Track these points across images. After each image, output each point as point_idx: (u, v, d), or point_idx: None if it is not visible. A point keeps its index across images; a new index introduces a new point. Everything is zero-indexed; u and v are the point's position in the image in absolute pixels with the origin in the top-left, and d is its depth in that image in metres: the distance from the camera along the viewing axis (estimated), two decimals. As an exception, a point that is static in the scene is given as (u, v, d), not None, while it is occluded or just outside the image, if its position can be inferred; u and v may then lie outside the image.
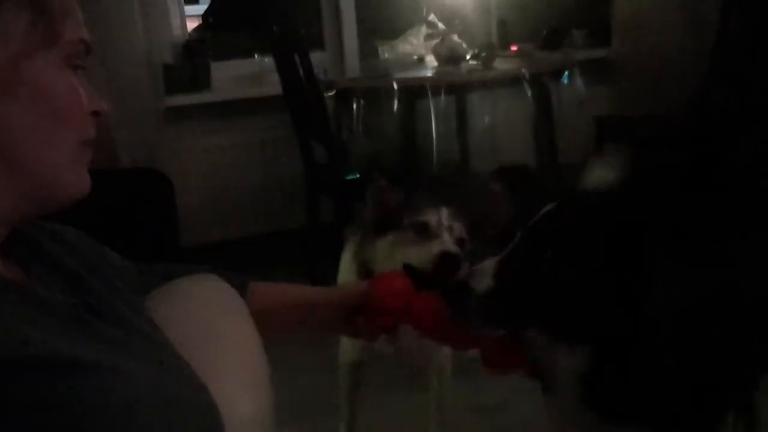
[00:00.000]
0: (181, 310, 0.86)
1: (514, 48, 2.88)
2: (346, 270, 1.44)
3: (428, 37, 2.78)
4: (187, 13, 2.98)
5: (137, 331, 0.71)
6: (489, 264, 0.83)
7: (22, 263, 0.67)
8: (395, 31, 2.93)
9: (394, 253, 1.25)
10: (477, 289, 0.80)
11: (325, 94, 2.41)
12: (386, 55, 2.82)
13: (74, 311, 0.64)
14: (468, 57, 2.52)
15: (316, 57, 2.42)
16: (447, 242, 1.22)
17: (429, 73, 2.56)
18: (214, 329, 0.86)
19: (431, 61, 2.68)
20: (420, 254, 1.21)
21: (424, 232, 1.24)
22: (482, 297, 0.81)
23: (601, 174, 0.88)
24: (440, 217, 1.26)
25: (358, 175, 2.43)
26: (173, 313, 0.84)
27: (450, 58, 2.50)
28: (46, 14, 0.61)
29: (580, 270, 0.79)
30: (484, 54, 2.45)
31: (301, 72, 2.31)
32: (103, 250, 0.84)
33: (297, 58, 2.30)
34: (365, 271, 1.30)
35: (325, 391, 1.70)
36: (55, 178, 0.64)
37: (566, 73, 2.61)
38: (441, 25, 2.73)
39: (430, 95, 2.30)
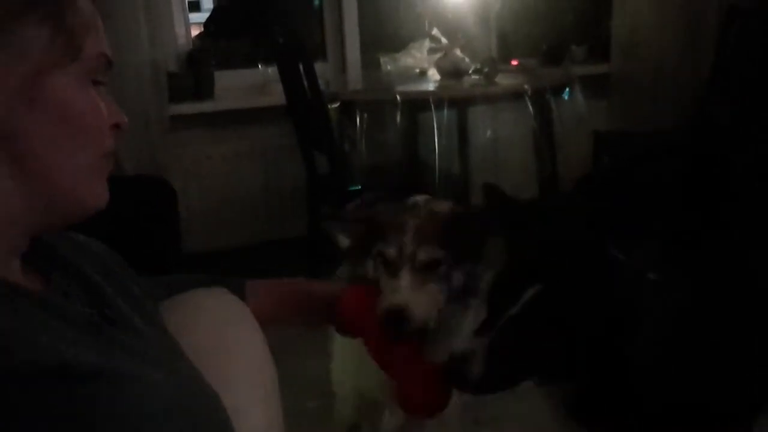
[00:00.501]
0: (192, 322, 0.87)
1: (514, 62, 2.91)
2: None
3: (431, 50, 2.80)
4: (189, 21, 3.00)
5: (153, 340, 0.72)
6: (479, 343, 0.86)
7: (42, 271, 0.68)
8: (398, 44, 2.95)
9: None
10: (470, 375, 0.84)
11: (328, 106, 2.43)
12: (389, 68, 2.85)
13: (91, 320, 0.64)
14: (470, 71, 2.55)
15: (319, 68, 2.44)
16: (399, 287, 0.99)
17: (431, 87, 2.58)
18: (225, 341, 0.87)
19: (433, 74, 2.70)
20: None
21: (388, 266, 1.02)
22: (476, 380, 0.85)
23: None
24: (403, 243, 1.01)
25: (359, 186, 2.45)
26: (184, 324, 0.85)
27: (453, 73, 2.52)
28: (67, 29, 0.61)
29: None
30: (486, 69, 2.48)
31: (305, 82, 2.32)
32: (121, 258, 0.85)
33: (301, 69, 2.32)
34: None
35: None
36: (75, 191, 0.64)
37: (567, 88, 2.64)
38: (444, 40, 2.76)
39: (433, 109, 2.31)
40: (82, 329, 0.61)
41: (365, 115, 2.52)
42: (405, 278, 1.00)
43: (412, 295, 0.99)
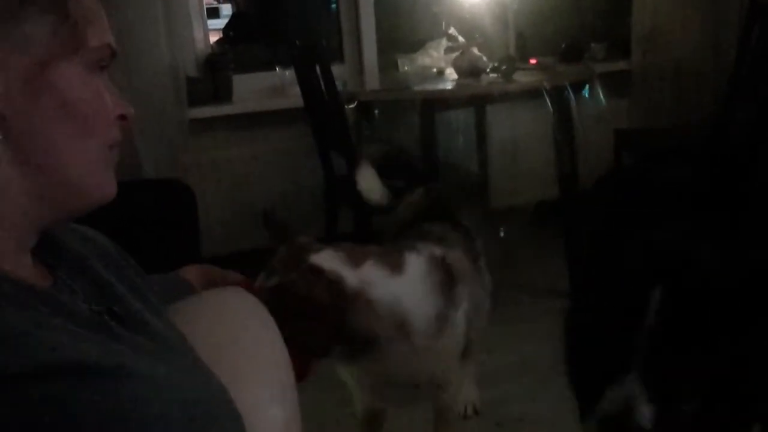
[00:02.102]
0: (209, 320, 0.87)
1: (533, 61, 2.89)
2: None
3: (448, 50, 2.79)
4: (208, 27, 3.03)
5: (160, 336, 0.71)
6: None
7: (50, 267, 0.68)
8: (414, 44, 2.94)
9: None
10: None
11: (345, 107, 2.43)
12: (406, 68, 2.84)
13: (98, 318, 0.64)
14: (488, 70, 2.53)
15: (336, 70, 2.44)
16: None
17: (449, 86, 2.57)
18: (241, 339, 0.86)
19: (451, 73, 2.69)
20: None
21: None
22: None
23: None
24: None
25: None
26: (199, 323, 0.85)
27: (470, 71, 2.50)
28: (70, 21, 0.61)
29: None
30: (504, 67, 2.46)
31: (322, 84, 2.33)
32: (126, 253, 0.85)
33: (318, 71, 2.32)
34: None
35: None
36: (82, 182, 0.64)
37: (587, 86, 2.61)
38: (461, 39, 2.74)
39: (451, 108, 2.30)
40: (90, 326, 0.61)
41: (382, 116, 2.51)
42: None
43: None
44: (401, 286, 1.21)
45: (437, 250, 1.30)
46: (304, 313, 1.12)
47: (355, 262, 1.20)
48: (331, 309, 1.14)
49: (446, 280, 1.26)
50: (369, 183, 1.61)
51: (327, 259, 1.19)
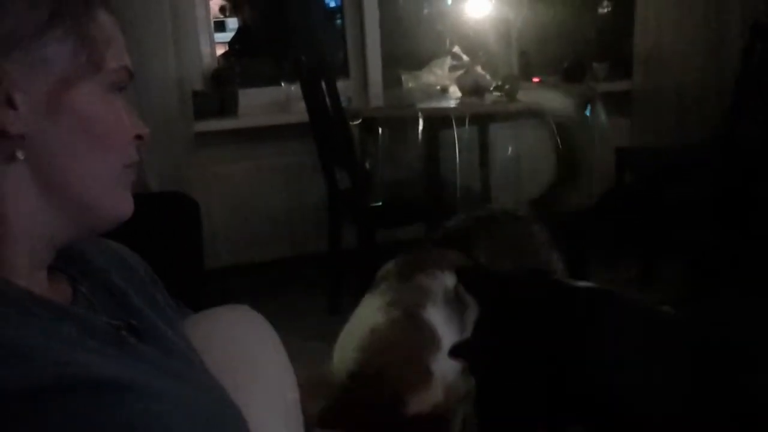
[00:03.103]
0: (215, 337, 0.87)
1: (536, 80, 2.91)
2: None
3: (452, 68, 2.81)
4: (215, 41, 3.05)
5: (176, 351, 0.71)
6: None
7: (69, 279, 0.68)
8: (419, 61, 2.97)
9: None
10: None
11: (350, 122, 2.45)
12: (410, 85, 2.86)
13: (115, 333, 0.64)
14: (491, 88, 2.55)
15: (340, 85, 2.46)
16: None
17: (452, 104, 2.59)
18: (247, 357, 0.86)
19: (454, 91, 2.71)
20: None
21: None
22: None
23: None
24: None
25: (380, 203, 2.46)
26: (207, 340, 0.85)
27: (474, 90, 2.53)
28: (89, 43, 0.62)
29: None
30: (507, 86, 2.48)
31: (327, 100, 2.35)
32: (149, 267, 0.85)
33: (323, 86, 2.34)
34: None
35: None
36: (99, 202, 0.64)
37: (588, 105, 2.63)
38: (465, 57, 2.77)
39: (454, 125, 2.32)
40: (107, 342, 0.61)
41: (386, 132, 2.53)
42: None
43: None
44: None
45: None
46: None
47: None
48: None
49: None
50: None
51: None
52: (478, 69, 2.59)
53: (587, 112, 2.65)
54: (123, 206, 0.67)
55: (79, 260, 0.71)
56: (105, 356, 0.58)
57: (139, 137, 0.68)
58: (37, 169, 0.60)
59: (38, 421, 0.50)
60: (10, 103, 0.58)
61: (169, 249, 2.18)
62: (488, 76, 2.57)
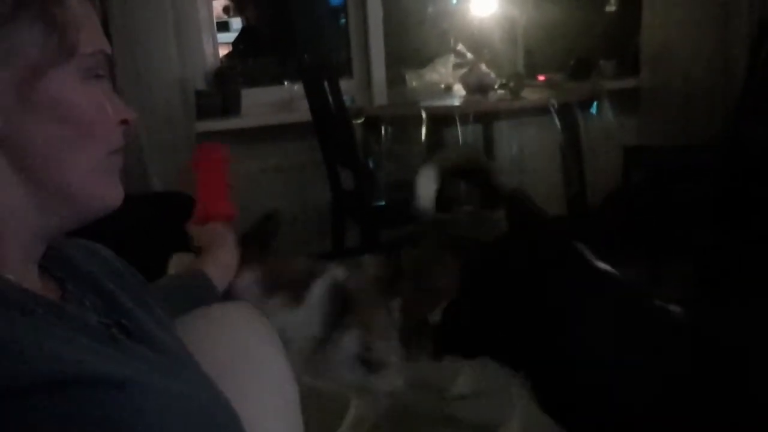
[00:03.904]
0: (213, 335, 0.87)
1: (541, 78, 2.89)
2: None
3: (456, 66, 2.80)
4: (218, 41, 3.05)
5: (167, 350, 0.71)
6: None
7: (59, 281, 0.67)
8: (423, 60, 2.96)
9: None
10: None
11: (353, 121, 2.43)
12: (414, 84, 2.85)
13: (107, 331, 0.64)
14: (496, 86, 2.53)
15: (344, 84, 2.45)
16: None
17: (457, 102, 2.57)
18: (245, 355, 0.86)
19: (459, 90, 2.69)
20: None
21: None
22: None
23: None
24: None
25: (384, 202, 2.44)
26: (205, 338, 0.85)
27: (478, 88, 2.51)
28: (59, 28, 0.61)
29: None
30: (512, 84, 2.46)
31: (330, 99, 2.34)
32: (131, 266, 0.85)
33: (326, 86, 2.33)
34: None
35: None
36: (85, 191, 0.64)
37: (595, 103, 2.61)
38: (469, 55, 2.76)
39: (458, 124, 2.30)
40: (99, 339, 0.61)
41: (390, 131, 2.52)
42: None
43: None
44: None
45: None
46: None
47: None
48: None
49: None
50: (423, 188, 1.54)
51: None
52: (483, 67, 2.57)
53: (594, 110, 2.63)
54: (111, 194, 0.66)
55: (66, 263, 0.70)
56: (97, 353, 0.57)
57: (124, 122, 0.67)
58: (16, 162, 0.60)
59: (30, 418, 0.49)
60: None
61: (172, 249, 2.18)
62: (493, 74, 2.55)
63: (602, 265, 0.93)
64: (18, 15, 0.59)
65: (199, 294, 1.01)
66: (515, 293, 0.92)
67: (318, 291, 1.25)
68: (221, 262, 1.10)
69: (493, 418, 1.49)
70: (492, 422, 1.51)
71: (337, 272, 1.28)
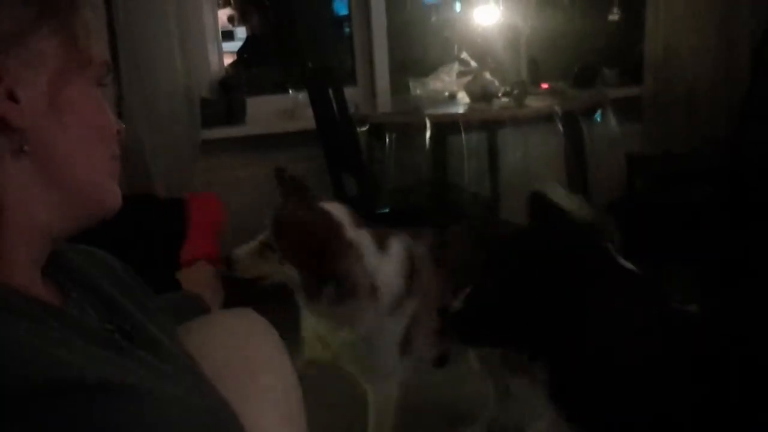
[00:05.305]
0: (217, 341, 0.87)
1: (545, 86, 2.90)
2: None
3: (460, 74, 2.80)
4: (223, 50, 3.07)
5: (169, 356, 0.71)
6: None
7: (60, 286, 0.68)
8: (427, 68, 2.96)
9: None
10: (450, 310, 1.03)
11: (357, 129, 2.44)
12: (418, 92, 2.86)
13: (109, 335, 0.65)
14: (500, 94, 2.54)
15: (348, 92, 2.46)
16: None
17: (461, 110, 2.58)
18: (249, 361, 0.86)
19: (463, 97, 2.70)
20: None
21: None
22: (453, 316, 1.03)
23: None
24: None
25: (388, 210, 2.44)
26: (209, 344, 0.85)
27: (482, 95, 2.52)
28: (76, 39, 0.64)
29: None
30: (516, 91, 2.47)
31: (334, 107, 2.34)
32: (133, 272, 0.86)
33: (331, 94, 2.34)
34: None
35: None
36: (96, 193, 0.67)
37: (599, 111, 2.61)
38: (473, 63, 2.76)
39: (462, 131, 2.31)
40: (101, 344, 0.61)
41: (394, 138, 2.52)
42: None
43: None
44: (382, 259, 1.41)
45: (413, 244, 1.48)
46: (301, 244, 1.33)
47: (356, 223, 1.42)
48: (327, 247, 1.33)
49: (412, 271, 1.45)
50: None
51: (336, 208, 1.43)
52: (487, 75, 2.58)
53: (597, 118, 2.63)
54: (115, 196, 0.69)
55: (68, 269, 0.71)
56: (98, 358, 0.58)
57: (118, 132, 0.70)
58: (40, 162, 0.62)
59: (32, 423, 0.49)
60: (13, 98, 0.59)
61: (177, 255, 2.18)
62: (496, 82, 2.56)
63: (626, 263, 0.94)
64: (40, 26, 0.62)
65: (195, 310, 1.02)
66: (537, 284, 0.93)
67: (396, 245, 1.46)
68: (206, 298, 1.14)
69: (519, 420, 1.56)
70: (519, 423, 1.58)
71: (405, 237, 1.49)
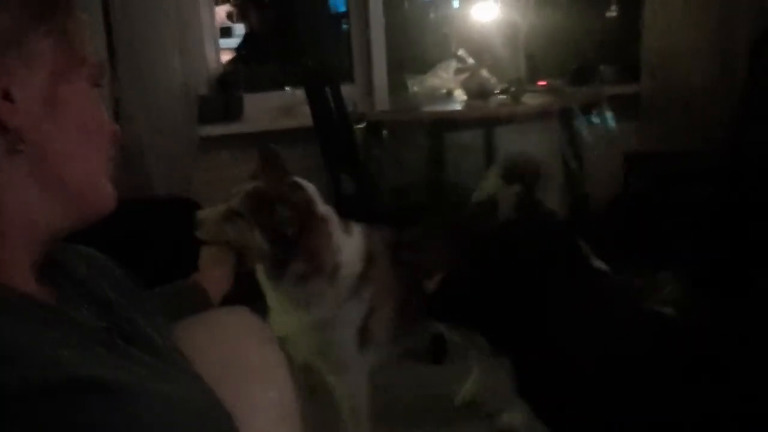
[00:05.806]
0: (213, 340, 0.88)
1: (542, 83, 2.90)
2: None
3: (458, 71, 2.80)
4: (220, 46, 3.06)
5: (164, 355, 0.72)
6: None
7: (55, 285, 0.68)
8: (424, 65, 2.96)
9: None
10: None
11: (355, 127, 2.44)
12: (415, 89, 2.85)
13: (104, 334, 0.65)
14: (497, 92, 2.54)
15: (345, 90, 2.46)
16: None
17: (458, 107, 2.58)
18: (244, 361, 0.87)
19: (460, 95, 2.70)
20: None
21: None
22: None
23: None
24: None
25: (385, 207, 2.45)
26: (204, 343, 0.85)
27: (479, 93, 2.52)
28: (71, 40, 0.65)
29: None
30: (513, 89, 2.47)
31: (332, 104, 2.34)
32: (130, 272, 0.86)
33: (328, 91, 2.34)
34: None
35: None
36: (92, 193, 0.67)
37: (596, 108, 2.61)
38: (470, 60, 2.76)
39: (459, 128, 2.31)
40: (97, 343, 0.61)
41: (391, 136, 2.52)
42: None
43: None
44: (347, 240, 1.48)
45: (372, 234, 1.54)
46: (271, 216, 1.36)
47: (325, 203, 1.48)
48: (301, 218, 1.38)
49: (371, 257, 1.50)
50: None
51: (307, 185, 1.48)
52: (484, 72, 2.58)
53: (595, 116, 2.63)
54: (111, 197, 0.69)
55: (62, 268, 0.71)
56: (94, 357, 0.58)
57: (114, 133, 0.71)
58: (35, 162, 0.62)
59: (26, 421, 0.49)
60: (8, 97, 0.60)
61: (175, 253, 2.18)
62: (494, 80, 2.56)
63: (598, 264, 0.95)
64: (36, 27, 0.62)
65: (195, 303, 1.02)
66: (513, 276, 0.95)
67: (357, 230, 1.53)
68: (216, 279, 1.17)
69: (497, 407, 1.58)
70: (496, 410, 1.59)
71: (366, 226, 1.57)
